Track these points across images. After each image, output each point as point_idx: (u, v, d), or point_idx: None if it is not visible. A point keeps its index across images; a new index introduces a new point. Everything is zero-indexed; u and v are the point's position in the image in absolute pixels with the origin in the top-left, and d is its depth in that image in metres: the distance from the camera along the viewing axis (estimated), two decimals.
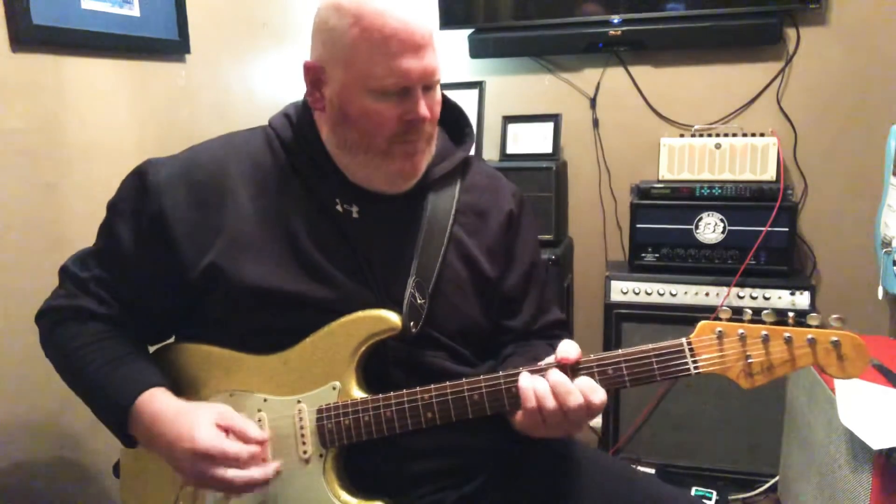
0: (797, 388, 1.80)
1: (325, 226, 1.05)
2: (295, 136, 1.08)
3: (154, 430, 0.97)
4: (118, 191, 1.08)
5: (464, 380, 0.98)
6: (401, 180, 1.07)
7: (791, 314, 0.91)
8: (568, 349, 0.96)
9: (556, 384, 0.93)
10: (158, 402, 0.99)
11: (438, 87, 1.05)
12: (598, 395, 0.93)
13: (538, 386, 0.94)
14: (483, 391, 0.97)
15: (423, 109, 1.00)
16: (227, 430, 0.96)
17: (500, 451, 1.13)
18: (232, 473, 0.94)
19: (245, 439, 0.97)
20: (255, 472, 0.95)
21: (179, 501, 1.05)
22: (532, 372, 0.96)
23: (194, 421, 0.96)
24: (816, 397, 1.65)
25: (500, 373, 0.98)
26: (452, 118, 1.17)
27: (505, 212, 1.16)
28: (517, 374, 0.97)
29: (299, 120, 1.09)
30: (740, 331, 0.92)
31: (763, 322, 0.91)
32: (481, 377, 0.98)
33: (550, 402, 0.93)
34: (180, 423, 0.96)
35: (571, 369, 0.95)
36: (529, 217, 1.21)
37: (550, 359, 0.98)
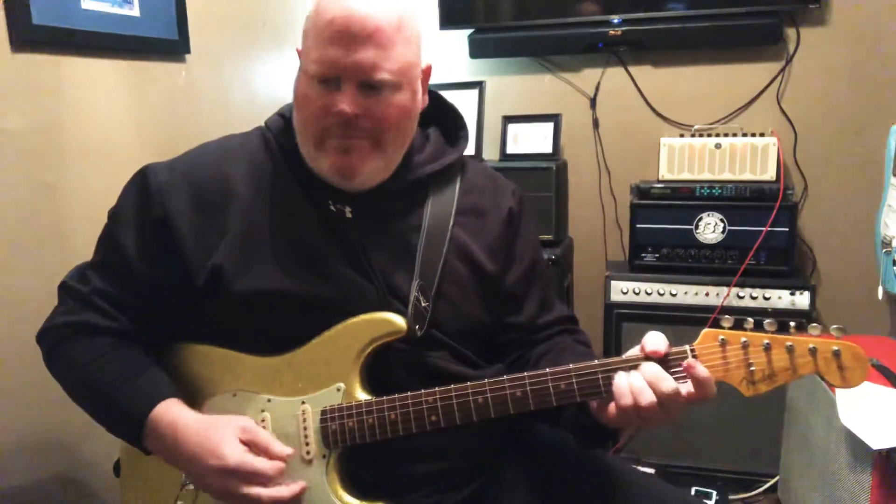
0: (797, 388, 1.81)
1: (324, 226, 1.05)
2: (288, 135, 1.08)
3: (172, 444, 0.97)
4: (119, 199, 1.08)
5: (468, 383, 0.98)
6: (336, 177, 1.03)
7: (793, 324, 0.92)
8: (657, 342, 0.94)
9: (650, 376, 0.91)
10: (174, 414, 0.99)
11: (398, 93, 1.00)
12: (701, 371, 0.90)
13: (634, 382, 0.91)
14: (487, 395, 0.97)
15: (343, 105, 0.96)
16: (250, 445, 0.96)
17: (500, 453, 1.13)
18: (259, 491, 0.93)
19: (269, 455, 0.96)
20: (282, 490, 0.95)
21: (179, 500, 1.05)
22: (626, 368, 0.94)
23: (220, 436, 0.95)
24: (816, 397, 1.65)
25: (505, 377, 0.97)
26: (449, 119, 1.17)
27: (505, 210, 1.16)
28: (521, 377, 0.96)
29: (291, 118, 1.09)
30: (743, 339, 0.92)
31: (765, 331, 0.93)
32: (486, 380, 0.97)
33: (648, 397, 0.90)
34: (204, 437, 0.96)
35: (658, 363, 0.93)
36: (529, 214, 1.21)
37: (633, 351, 0.96)
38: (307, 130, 1.02)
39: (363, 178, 1.04)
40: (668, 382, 0.90)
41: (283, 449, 0.97)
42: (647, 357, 0.94)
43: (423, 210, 1.10)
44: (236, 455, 0.94)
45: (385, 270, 1.06)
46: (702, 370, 0.90)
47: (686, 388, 0.91)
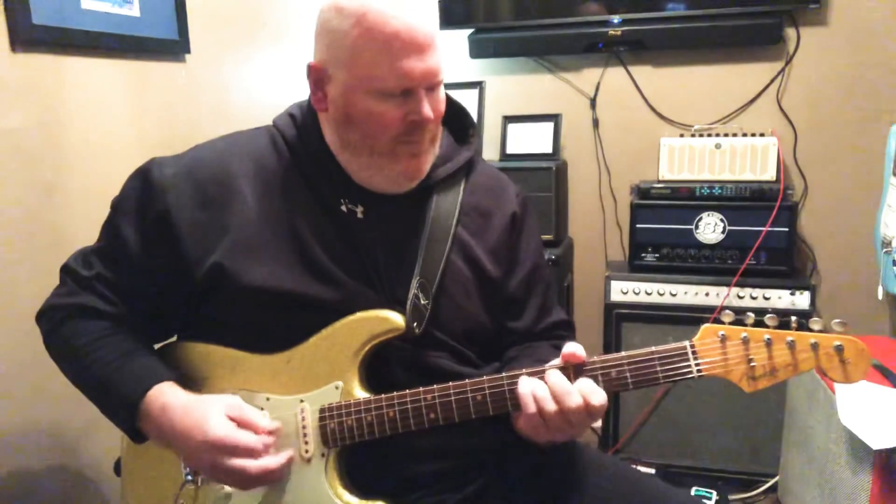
0: (797, 388, 1.81)
1: (329, 226, 1.05)
2: (299, 136, 1.08)
3: (165, 424, 0.97)
4: (122, 189, 1.08)
5: (466, 380, 0.98)
6: (405, 181, 1.06)
7: (794, 318, 0.91)
8: (574, 349, 0.96)
9: (554, 386, 0.93)
10: (168, 395, 0.99)
11: (442, 87, 1.05)
12: (598, 396, 0.92)
13: (537, 389, 0.94)
14: (486, 392, 0.97)
15: (427, 110, 1.00)
16: (237, 422, 0.96)
17: (500, 453, 1.13)
18: (245, 462, 0.94)
19: (255, 430, 0.97)
20: (269, 461, 0.95)
21: (180, 500, 1.05)
22: (531, 374, 0.96)
23: (206, 412, 0.96)
24: (816, 397, 1.65)
25: (504, 374, 0.97)
26: (456, 118, 1.17)
27: (508, 213, 1.16)
28: (519, 375, 0.97)
29: (304, 120, 1.09)
30: (743, 334, 0.92)
31: (766, 326, 0.92)
32: (484, 378, 0.98)
33: (550, 405, 0.93)
34: (191, 414, 0.96)
35: (574, 371, 0.95)
36: (532, 218, 1.21)
37: (557, 361, 0.98)
38: (374, 143, 1.02)
39: (422, 176, 1.07)
40: (572, 396, 0.92)
41: (270, 423, 0.98)
42: (562, 364, 0.96)
43: (427, 208, 1.10)
44: (222, 428, 0.94)
45: (387, 269, 1.06)
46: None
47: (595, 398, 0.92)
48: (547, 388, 0.93)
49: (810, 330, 0.91)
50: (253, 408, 1.00)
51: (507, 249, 1.15)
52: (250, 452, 0.95)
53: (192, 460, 0.99)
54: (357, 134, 1.02)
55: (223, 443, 0.93)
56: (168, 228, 1.02)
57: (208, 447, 0.94)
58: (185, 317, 1.09)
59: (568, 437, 0.96)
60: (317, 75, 1.03)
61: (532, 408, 0.93)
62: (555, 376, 0.94)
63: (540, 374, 0.96)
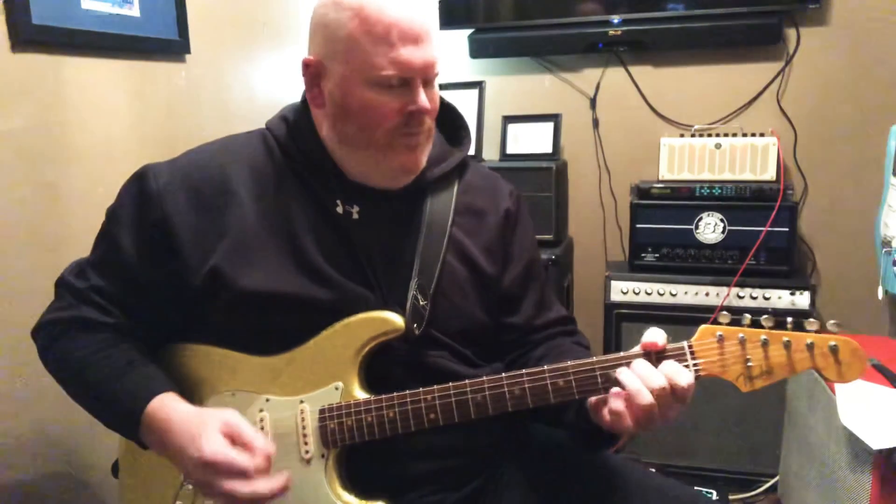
0: (797, 388, 1.81)
1: (325, 228, 1.05)
2: (292, 137, 1.08)
3: (165, 438, 0.96)
4: (118, 198, 1.07)
5: (466, 381, 0.98)
6: (402, 175, 1.07)
7: (790, 319, 0.92)
8: (654, 338, 0.94)
9: (640, 370, 0.92)
10: (168, 408, 0.98)
11: (437, 84, 1.06)
12: (684, 377, 0.91)
13: (645, 374, 0.91)
14: (486, 393, 0.97)
15: (424, 100, 1.00)
16: (231, 438, 0.93)
17: (499, 452, 1.13)
18: (237, 486, 0.90)
19: (251, 450, 0.93)
20: (260, 486, 0.91)
21: (178, 501, 1.05)
22: (616, 363, 0.94)
23: (201, 429, 0.94)
24: (816, 397, 1.65)
25: (503, 374, 0.97)
26: (448, 119, 1.17)
27: (502, 211, 1.16)
28: (520, 374, 0.97)
29: (297, 121, 1.09)
30: (740, 335, 0.93)
31: (762, 327, 0.93)
32: (484, 378, 0.98)
33: (651, 387, 0.90)
34: (188, 430, 0.95)
35: (656, 359, 0.94)
36: (526, 215, 1.21)
37: (637, 349, 0.96)
38: (371, 135, 1.02)
39: (419, 171, 1.07)
40: (657, 378, 0.90)
41: (266, 445, 0.94)
42: (645, 351, 0.94)
43: (422, 209, 1.10)
44: (214, 447, 0.91)
45: (385, 270, 1.06)
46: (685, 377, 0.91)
47: (681, 378, 0.91)
48: (652, 370, 0.91)
49: (806, 331, 0.92)
50: (251, 426, 0.96)
51: (501, 247, 1.15)
52: (242, 474, 0.91)
53: (189, 476, 0.98)
54: (355, 127, 1.02)
55: (214, 462, 0.90)
56: (167, 236, 1.02)
57: (201, 465, 0.91)
58: (184, 322, 1.08)
59: (654, 425, 0.93)
60: (313, 70, 1.03)
61: (645, 394, 0.90)
62: (640, 363, 0.92)
63: (626, 362, 0.94)
